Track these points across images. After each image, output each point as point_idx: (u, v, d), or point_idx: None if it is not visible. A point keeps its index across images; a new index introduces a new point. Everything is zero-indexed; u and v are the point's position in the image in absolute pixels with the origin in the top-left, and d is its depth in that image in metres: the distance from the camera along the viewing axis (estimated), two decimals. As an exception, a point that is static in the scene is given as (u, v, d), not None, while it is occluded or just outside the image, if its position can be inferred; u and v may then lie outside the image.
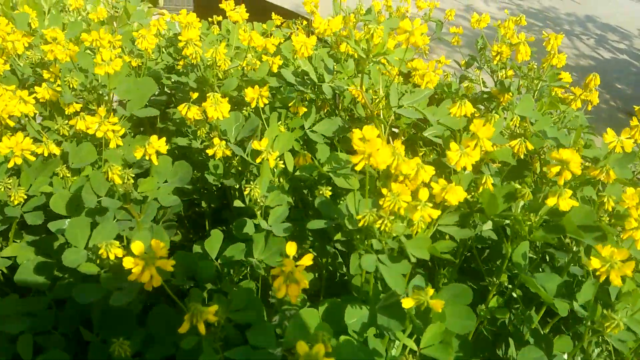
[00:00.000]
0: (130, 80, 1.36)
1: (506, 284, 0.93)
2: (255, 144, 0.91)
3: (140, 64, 1.62)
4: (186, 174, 0.97)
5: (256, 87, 1.19)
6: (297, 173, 1.06)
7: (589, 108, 1.52)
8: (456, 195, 0.79)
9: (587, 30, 3.17)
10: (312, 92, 1.37)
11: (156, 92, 1.45)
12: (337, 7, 1.60)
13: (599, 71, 2.91)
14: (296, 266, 0.73)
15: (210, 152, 1.07)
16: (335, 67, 1.38)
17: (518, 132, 1.25)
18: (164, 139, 0.93)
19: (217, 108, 1.04)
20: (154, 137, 0.93)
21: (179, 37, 1.28)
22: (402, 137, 1.29)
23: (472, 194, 0.95)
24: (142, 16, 2.00)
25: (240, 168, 1.13)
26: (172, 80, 1.31)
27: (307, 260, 0.75)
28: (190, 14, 1.31)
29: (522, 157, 1.13)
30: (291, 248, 0.75)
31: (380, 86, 1.11)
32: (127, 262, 0.72)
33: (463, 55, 2.04)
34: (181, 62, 1.58)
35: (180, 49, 1.56)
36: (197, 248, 0.92)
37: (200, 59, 1.20)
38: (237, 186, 1.09)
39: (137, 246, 0.73)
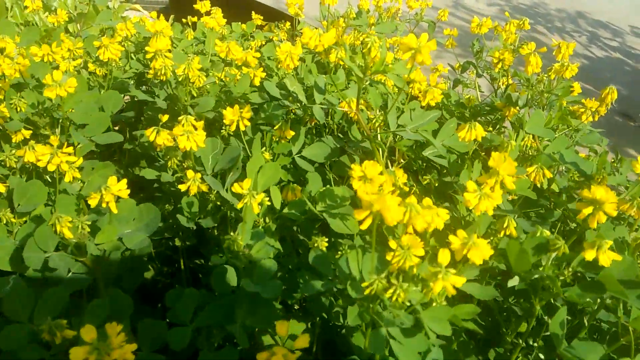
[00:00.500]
0: (90, 97, 1.19)
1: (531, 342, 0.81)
2: (236, 187, 0.76)
3: (106, 73, 1.45)
4: (154, 219, 0.82)
5: (236, 107, 1.04)
6: (286, 210, 0.92)
7: (596, 118, 1.40)
8: (480, 252, 0.66)
9: (579, 27, 3.07)
10: (300, 107, 1.22)
11: (123, 105, 1.29)
12: (325, 10, 1.45)
13: (593, 70, 2.82)
14: (290, 352, 0.59)
15: (183, 187, 0.91)
16: (324, 78, 1.24)
17: (531, 153, 1.12)
18: (124, 181, 0.77)
19: (191, 137, 0.89)
20: (112, 180, 0.77)
21: (147, 48, 1.12)
22: (402, 160, 1.16)
23: (492, 238, 0.81)
24: (109, 17, 1.82)
25: (218, 203, 0.98)
26: (137, 98, 1.14)
27: (303, 342, 0.61)
28: (159, 21, 1.15)
29: (538, 185, 1.00)
30: (282, 327, 0.61)
31: (377, 106, 0.97)
32: (76, 354, 0.57)
33: (455, 56, 1.90)
34: (152, 70, 1.42)
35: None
36: (169, 315, 0.77)
37: (170, 74, 1.04)
38: (215, 226, 0.94)
39: (87, 331, 0.58)
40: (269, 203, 0.91)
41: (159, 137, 0.99)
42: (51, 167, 0.92)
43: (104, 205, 0.75)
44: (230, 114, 1.01)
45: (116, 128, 1.42)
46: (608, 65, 2.84)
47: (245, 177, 0.91)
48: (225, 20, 1.87)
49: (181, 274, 1.18)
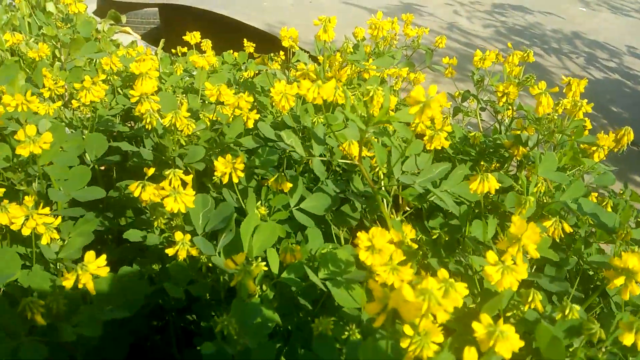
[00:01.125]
0: (72, 143, 1.11)
1: None
2: (228, 264, 0.68)
3: (89, 112, 1.37)
4: (137, 298, 0.73)
5: (228, 156, 0.96)
6: (285, 275, 0.83)
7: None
8: (510, 344, 0.58)
9: (576, 48, 3.03)
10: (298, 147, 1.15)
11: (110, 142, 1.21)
12: (321, 44, 1.38)
13: (592, 93, 2.76)
14: None
15: (170, 252, 0.83)
16: (321, 120, 1.17)
17: (545, 200, 1.05)
18: (103, 257, 0.69)
19: (179, 199, 0.80)
20: (89, 256, 0.69)
21: (131, 92, 1.04)
22: (407, 208, 1.08)
23: (514, 312, 0.74)
24: (94, 48, 1.74)
25: (210, 265, 0.89)
26: (123, 149, 1.06)
27: None
28: (144, 62, 1.07)
29: (557, 240, 0.93)
30: None
31: (383, 162, 0.89)
32: None
33: (452, 81, 1.84)
34: (138, 107, 1.34)
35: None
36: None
37: (156, 123, 0.96)
38: (207, 296, 0.86)
39: None
40: (265, 268, 0.82)
41: (144, 193, 0.91)
42: (25, 231, 0.83)
43: (80, 286, 0.67)
44: (221, 166, 0.93)
45: (102, 168, 1.34)
46: (607, 86, 2.80)
47: (239, 239, 0.83)
48: (214, 52, 1.80)
49: (170, 332, 1.09)
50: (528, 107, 1.52)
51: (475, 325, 0.60)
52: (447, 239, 0.98)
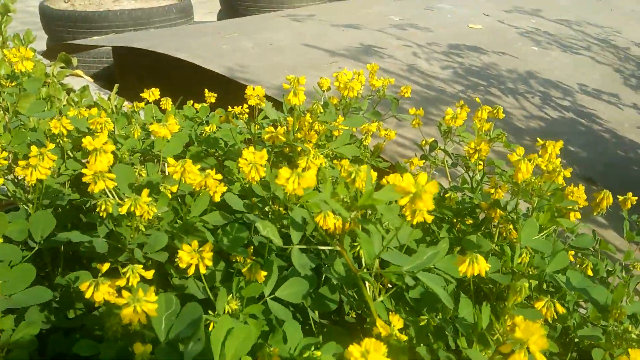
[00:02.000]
0: (15, 226, 1.00)
1: None
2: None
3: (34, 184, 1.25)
4: None
5: (194, 244, 0.87)
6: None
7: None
8: None
9: (531, 87, 3.11)
10: (270, 221, 1.07)
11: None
12: (288, 104, 1.31)
13: (550, 133, 2.82)
14: None
15: (130, 365, 0.72)
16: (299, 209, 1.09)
17: (531, 272, 1.01)
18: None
19: (138, 308, 0.71)
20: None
21: (84, 170, 0.94)
22: (389, 285, 1.01)
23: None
24: (42, 107, 1.62)
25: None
26: (74, 240, 0.95)
27: None
28: (98, 138, 0.97)
29: (550, 321, 0.88)
30: None
31: (372, 258, 0.82)
32: None
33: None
34: (88, 173, 1.23)
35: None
36: None
37: (112, 209, 0.86)
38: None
39: None
40: (240, 380, 0.73)
41: (97, 293, 0.80)
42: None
43: None
44: (186, 256, 0.84)
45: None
46: (563, 125, 2.87)
47: (209, 348, 0.73)
48: (173, 106, 1.71)
49: None
50: (500, 162, 1.50)
51: None
52: (435, 324, 0.91)
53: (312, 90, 1.81)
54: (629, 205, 1.19)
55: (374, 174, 0.98)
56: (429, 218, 1.01)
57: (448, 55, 3.42)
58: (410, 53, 3.36)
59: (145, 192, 0.87)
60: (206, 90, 1.90)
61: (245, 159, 1.05)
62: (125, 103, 2.94)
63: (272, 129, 1.29)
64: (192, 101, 1.99)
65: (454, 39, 3.73)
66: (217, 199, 1.05)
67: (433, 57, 3.34)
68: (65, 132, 1.37)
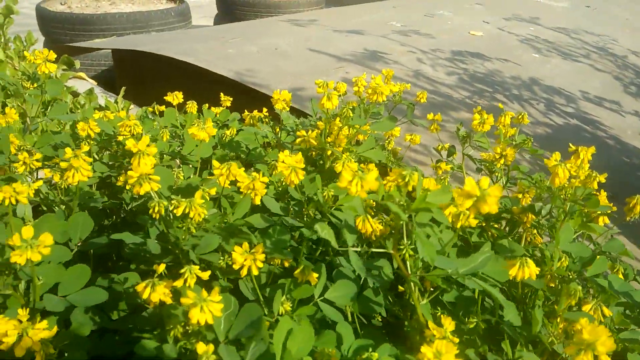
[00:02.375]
0: (57, 227, 0.99)
1: None
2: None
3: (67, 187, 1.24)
4: None
5: (245, 245, 0.87)
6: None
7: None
8: None
9: (535, 94, 3.15)
10: (310, 223, 1.07)
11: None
12: (321, 108, 1.32)
13: (556, 140, 2.86)
14: None
15: (193, 367, 0.72)
16: (330, 193, 1.10)
17: (571, 276, 1.02)
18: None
19: (205, 308, 0.71)
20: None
21: (130, 173, 0.94)
22: (431, 289, 1.02)
23: None
24: (65, 109, 1.61)
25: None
26: (127, 241, 0.94)
27: None
28: (141, 141, 0.97)
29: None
30: None
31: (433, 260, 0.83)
32: None
33: (425, 129, 1.81)
34: (122, 178, 1.23)
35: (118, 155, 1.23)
36: None
37: (164, 210, 0.86)
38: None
39: None
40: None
41: (154, 294, 0.80)
42: (19, 352, 0.71)
43: None
44: (240, 257, 0.84)
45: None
46: (568, 132, 2.90)
47: (270, 349, 0.74)
48: (197, 110, 1.71)
49: None
50: (524, 168, 1.52)
51: None
52: (484, 327, 0.92)
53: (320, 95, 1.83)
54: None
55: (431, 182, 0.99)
56: (474, 222, 1.03)
57: (452, 61, 3.46)
58: (414, 59, 3.39)
59: (199, 193, 0.87)
60: (222, 94, 1.90)
61: (285, 163, 1.05)
62: (132, 106, 2.93)
63: (303, 132, 1.29)
64: (207, 105, 1.99)
65: (457, 45, 3.77)
66: (258, 201, 1.06)
67: (437, 63, 3.37)
68: (93, 135, 1.37)
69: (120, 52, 4.15)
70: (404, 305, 1.10)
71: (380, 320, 1.13)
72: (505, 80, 3.29)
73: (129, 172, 0.94)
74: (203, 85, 3.14)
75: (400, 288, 1.12)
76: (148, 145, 1.01)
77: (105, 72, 5.06)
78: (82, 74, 3.71)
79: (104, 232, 1.17)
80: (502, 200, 1.38)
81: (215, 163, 0.96)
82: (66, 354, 0.78)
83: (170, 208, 0.84)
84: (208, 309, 0.71)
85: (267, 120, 1.59)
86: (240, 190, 0.93)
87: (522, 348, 0.93)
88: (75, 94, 2.98)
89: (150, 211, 0.85)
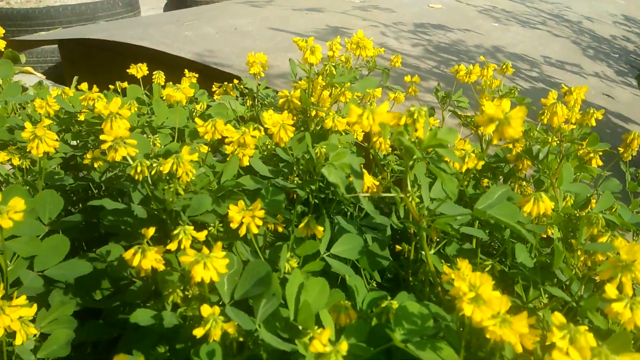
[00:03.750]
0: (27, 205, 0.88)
1: None
2: (316, 345, 0.52)
3: (28, 166, 1.13)
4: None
5: (241, 203, 0.79)
6: (344, 345, 0.68)
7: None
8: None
9: (499, 61, 3.14)
10: (302, 183, 1.00)
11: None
12: (299, 67, 1.24)
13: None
14: None
15: (199, 332, 0.64)
16: (322, 151, 1.03)
17: (578, 214, 0.99)
18: None
19: (209, 264, 0.63)
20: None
21: (102, 137, 0.84)
22: (436, 238, 0.97)
23: None
24: (18, 90, 1.48)
25: (241, 339, 0.71)
26: (108, 207, 0.85)
27: None
28: (112, 102, 0.87)
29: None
30: None
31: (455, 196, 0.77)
32: None
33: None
34: (89, 155, 1.12)
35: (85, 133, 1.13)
36: None
37: (147, 172, 0.77)
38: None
39: None
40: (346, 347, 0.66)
41: (145, 260, 0.72)
42: (-5, 334, 0.61)
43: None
44: (237, 215, 0.76)
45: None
46: (535, 95, 2.92)
47: (281, 306, 0.67)
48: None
49: None
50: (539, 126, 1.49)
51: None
52: (499, 269, 0.88)
53: (288, 71, 1.74)
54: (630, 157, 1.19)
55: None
56: (479, 165, 0.98)
57: (415, 33, 3.43)
58: (378, 32, 3.34)
59: (186, 149, 0.79)
60: (186, 70, 1.81)
61: (273, 120, 0.98)
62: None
63: (286, 92, 1.22)
64: (171, 82, 1.88)
65: (418, 18, 3.75)
66: (246, 162, 0.98)
67: (401, 36, 3.34)
68: (52, 113, 1.26)
69: (69, 44, 3.92)
70: (402, 265, 1.05)
71: (375, 285, 1.07)
72: (470, 49, 3.29)
73: (102, 136, 0.85)
74: (159, 70, 3.00)
75: (398, 247, 1.07)
76: (121, 107, 0.91)
77: (52, 69, 4.80)
78: (29, 68, 3.49)
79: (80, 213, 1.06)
80: (492, 151, 1.34)
81: (198, 121, 0.88)
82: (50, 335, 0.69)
83: (155, 165, 0.75)
84: (212, 265, 0.63)
85: (235, 95, 1.50)
86: (227, 148, 0.85)
87: (535, 291, 0.89)
88: (23, 89, 2.79)
89: (132, 172, 0.76)
